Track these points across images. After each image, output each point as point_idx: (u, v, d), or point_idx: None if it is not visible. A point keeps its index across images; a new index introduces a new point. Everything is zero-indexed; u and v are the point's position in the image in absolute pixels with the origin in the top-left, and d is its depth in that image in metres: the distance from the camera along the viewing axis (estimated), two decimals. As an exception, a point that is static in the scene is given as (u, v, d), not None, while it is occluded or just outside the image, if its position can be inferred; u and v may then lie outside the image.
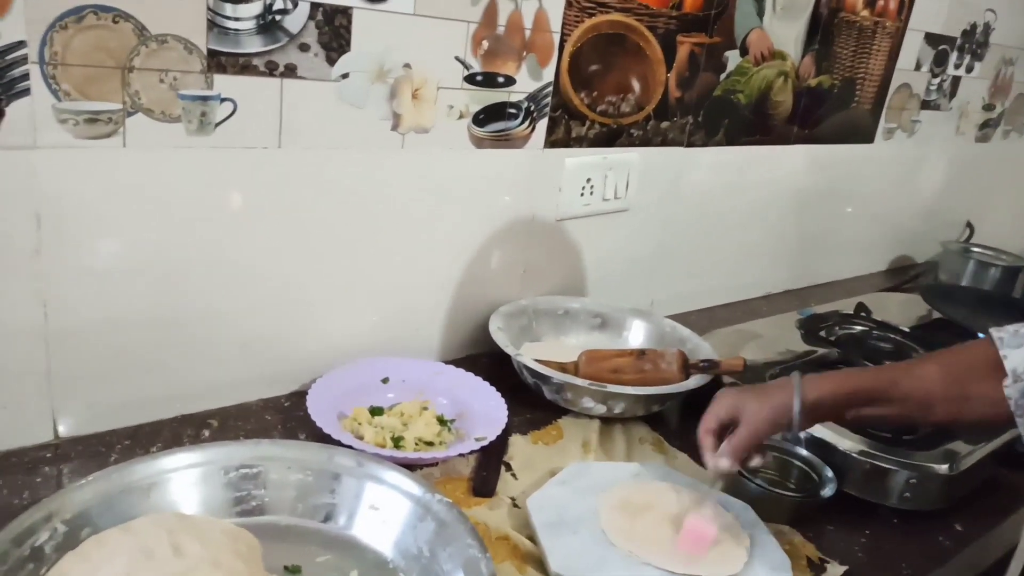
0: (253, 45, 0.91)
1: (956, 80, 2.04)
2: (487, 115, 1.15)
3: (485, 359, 1.25)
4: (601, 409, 1.10)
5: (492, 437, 1.00)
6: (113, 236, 0.89)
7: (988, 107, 2.23)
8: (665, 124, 1.40)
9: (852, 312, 1.58)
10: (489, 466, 0.98)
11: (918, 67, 1.89)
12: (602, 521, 0.87)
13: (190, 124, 0.90)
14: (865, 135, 1.87)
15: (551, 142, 1.25)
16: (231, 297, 1.00)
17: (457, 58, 1.09)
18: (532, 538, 0.85)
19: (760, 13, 1.46)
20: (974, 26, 2.00)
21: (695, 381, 1.14)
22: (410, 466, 0.90)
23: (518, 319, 1.27)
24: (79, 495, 0.75)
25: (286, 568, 0.77)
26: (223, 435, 0.98)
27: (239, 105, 0.92)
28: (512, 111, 1.18)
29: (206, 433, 0.99)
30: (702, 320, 1.54)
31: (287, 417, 1.04)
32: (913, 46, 1.84)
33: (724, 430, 0.91)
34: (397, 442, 0.97)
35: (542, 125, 1.23)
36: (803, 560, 0.90)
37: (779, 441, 1.05)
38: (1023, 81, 2.31)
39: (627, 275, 1.49)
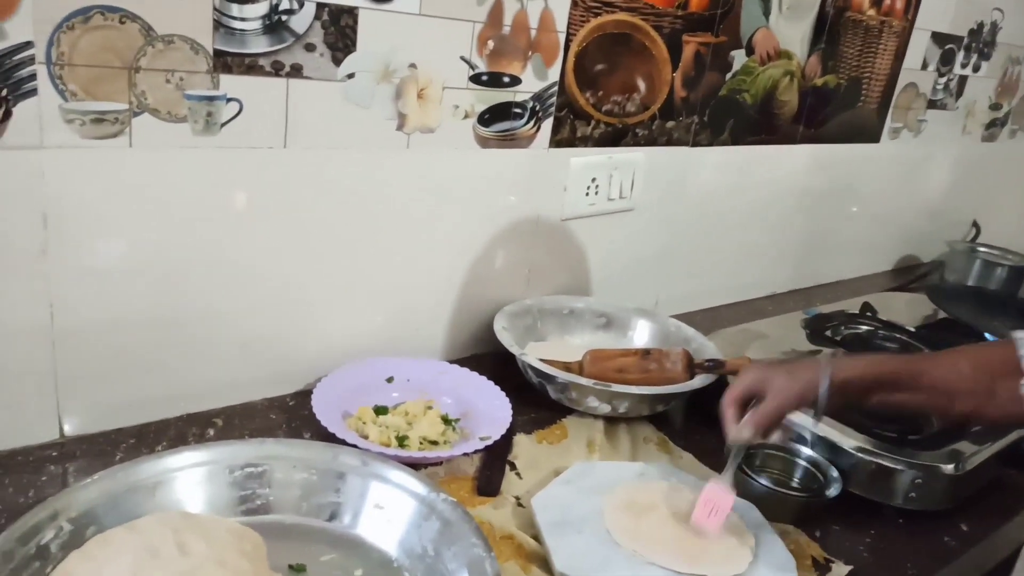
0: (259, 45, 0.92)
1: (963, 79, 2.04)
2: (492, 115, 1.15)
3: (490, 359, 1.25)
4: (606, 409, 1.10)
5: (496, 436, 1.00)
6: (118, 236, 0.89)
7: (995, 106, 2.23)
8: (670, 124, 1.40)
9: (858, 312, 1.57)
10: (493, 465, 0.98)
11: (924, 66, 1.89)
12: (607, 520, 0.87)
13: (196, 124, 0.90)
14: (871, 134, 1.86)
15: (556, 142, 1.25)
16: (234, 297, 1.00)
17: (462, 58, 1.09)
18: (537, 537, 0.85)
19: (766, 12, 1.46)
20: (981, 25, 1.99)
21: (700, 381, 1.14)
22: (415, 465, 0.90)
23: (523, 319, 1.27)
24: (84, 494, 0.75)
25: (291, 567, 0.77)
26: (228, 434, 0.99)
27: (245, 105, 0.93)
28: (517, 111, 1.18)
29: (211, 432, 0.99)
30: (707, 320, 1.54)
31: (292, 416, 1.05)
32: (920, 45, 1.84)
33: (748, 402, 0.92)
34: (402, 441, 0.97)
35: (547, 125, 1.23)
36: (808, 560, 0.90)
37: (783, 441, 1.05)
38: (1030, 80, 2.31)
39: (632, 275, 1.49)
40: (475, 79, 1.11)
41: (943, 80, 1.97)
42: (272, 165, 0.97)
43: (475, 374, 1.13)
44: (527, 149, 1.22)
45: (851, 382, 0.90)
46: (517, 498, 0.93)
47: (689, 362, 1.16)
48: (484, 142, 1.16)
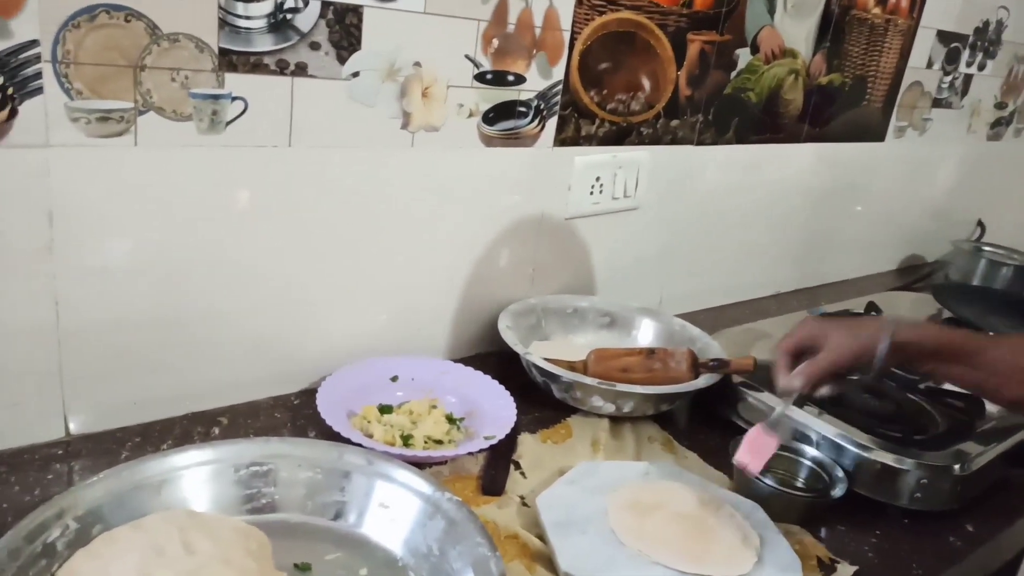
0: (264, 44, 0.92)
1: (968, 78, 2.03)
2: (497, 113, 1.15)
3: (494, 358, 1.25)
4: (610, 408, 1.10)
5: (501, 436, 1.00)
6: (123, 235, 0.89)
7: (1000, 105, 2.22)
8: (675, 122, 1.40)
9: (863, 311, 1.57)
10: (498, 465, 0.98)
11: (930, 65, 1.88)
12: (611, 520, 0.87)
13: (201, 123, 0.90)
14: (876, 133, 1.86)
15: (561, 140, 1.25)
16: (237, 297, 1.00)
17: (467, 56, 1.09)
18: (541, 537, 0.85)
19: (771, 11, 1.46)
20: (986, 23, 1.98)
21: (704, 380, 1.13)
22: (419, 464, 0.90)
23: (527, 318, 1.27)
24: (90, 492, 0.75)
25: (296, 566, 0.77)
26: (233, 433, 0.99)
27: (250, 104, 0.93)
28: (522, 109, 1.18)
29: (216, 431, 0.99)
30: (711, 319, 1.54)
31: (296, 415, 1.05)
32: (925, 44, 1.83)
33: (801, 355, 0.94)
34: (406, 440, 0.97)
35: (552, 123, 1.23)
36: (813, 560, 0.90)
37: (789, 441, 1.05)
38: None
39: (636, 274, 1.49)
40: (479, 77, 1.11)
41: (948, 79, 1.97)
42: (276, 164, 0.97)
43: (479, 373, 1.13)
44: (531, 148, 1.22)
45: (910, 345, 0.91)
46: (522, 497, 0.93)
47: (694, 361, 1.16)
48: (488, 141, 1.16)
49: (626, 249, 1.44)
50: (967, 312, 1.60)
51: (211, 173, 0.93)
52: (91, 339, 0.90)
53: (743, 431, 1.09)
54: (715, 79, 1.43)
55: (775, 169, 1.64)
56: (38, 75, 0.79)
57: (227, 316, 1.00)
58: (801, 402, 0.98)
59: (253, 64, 0.92)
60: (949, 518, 1.01)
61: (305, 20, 0.94)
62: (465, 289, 1.23)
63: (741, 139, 1.53)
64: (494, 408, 1.07)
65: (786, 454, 1.04)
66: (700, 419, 1.17)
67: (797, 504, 0.96)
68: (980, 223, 2.26)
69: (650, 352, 1.19)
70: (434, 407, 1.04)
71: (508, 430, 1.01)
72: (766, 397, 1.11)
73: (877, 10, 1.66)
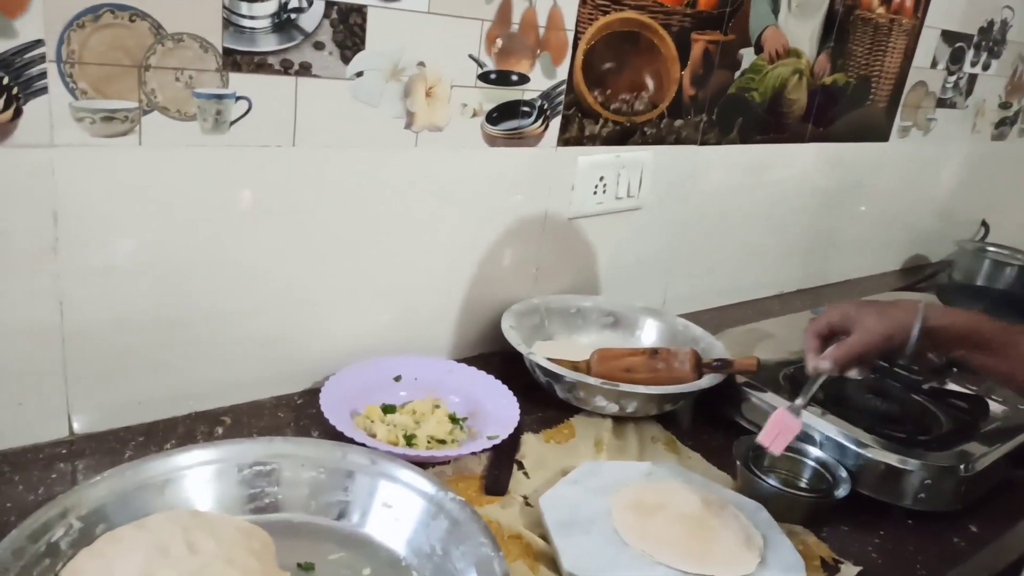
0: (268, 43, 0.92)
1: (972, 78, 2.03)
2: (500, 113, 1.15)
3: (497, 358, 1.25)
4: (613, 408, 1.10)
5: (504, 436, 1.00)
6: (127, 235, 0.89)
7: (1005, 105, 2.22)
8: (679, 122, 1.40)
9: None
10: (501, 465, 0.98)
11: (934, 65, 1.88)
12: (614, 520, 0.87)
13: (205, 122, 0.90)
14: (880, 133, 1.85)
15: (564, 140, 1.25)
16: (239, 297, 1.00)
17: (471, 56, 1.09)
18: (545, 537, 0.85)
19: (775, 10, 1.46)
20: (991, 23, 1.98)
21: (708, 380, 1.13)
22: (422, 464, 0.90)
23: (530, 318, 1.27)
24: (94, 491, 0.75)
25: (299, 565, 0.77)
26: (236, 432, 0.99)
27: (254, 103, 0.93)
28: (525, 109, 1.18)
29: (219, 430, 0.99)
30: (715, 319, 1.53)
31: (300, 415, 1.05)
32: (929, 44, 1.83)
33: (832, 336, 0.94)
34: (409, 440, 0.97)
35: (555, 123, 1.22)
36: (817, 560, 0.90)
37: (793, 441, 1.05)
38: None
39: (639, 274, 1.49)
40: (483, 77, 1.11)
41: (953, 79, 1.97)
42: (280, 164, 0.97)
43: (483, 373, 1.13)
44: (535, 148, 1.22)
45: (941, 331, 0.91)
46: (525, 497, 0.93)
47: (697, 361, 1.16)
48: (492, 140, 1.16)
49: (629, 249, 1.44)
50: (971, 312, 1.60)
51: (215, 173, 0.93)
52: (95, 339, 0.91)
53: (747, 431, 1.10)
54: (719, 79, 1.42)
55: (779, 169, 1.64)
56: (43, 75, 0.79)
57: (230, 316, 1.00)
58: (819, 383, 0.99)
59: (257, 64, 0.92)
60: (953, 519, 1.01)
61: (309, 20, 0.94)
62: (468, 289, 1.23)
63: (745, 139, 1.53)
64: (497, 408, 1.07)
65: (790, 454, 1.04)
66: (703, 419, 1.17)
67: (801, 504, 0.96)
68: (984, 223, 2.26)
69: (653, 352, 1.19)
70: (437, 407, 1.04)
71: (511, 430, 1.01)
72: (769, 397, 1.11)
73: (881, 10, 1.66)
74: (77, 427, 0.93)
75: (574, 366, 1.13)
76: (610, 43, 1.24)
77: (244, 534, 0.75)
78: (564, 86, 1.21)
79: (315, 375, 1.10)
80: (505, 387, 1.10)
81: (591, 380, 1.08)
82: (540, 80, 1.18)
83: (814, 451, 1.03)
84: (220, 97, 0.90)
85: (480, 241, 1.22)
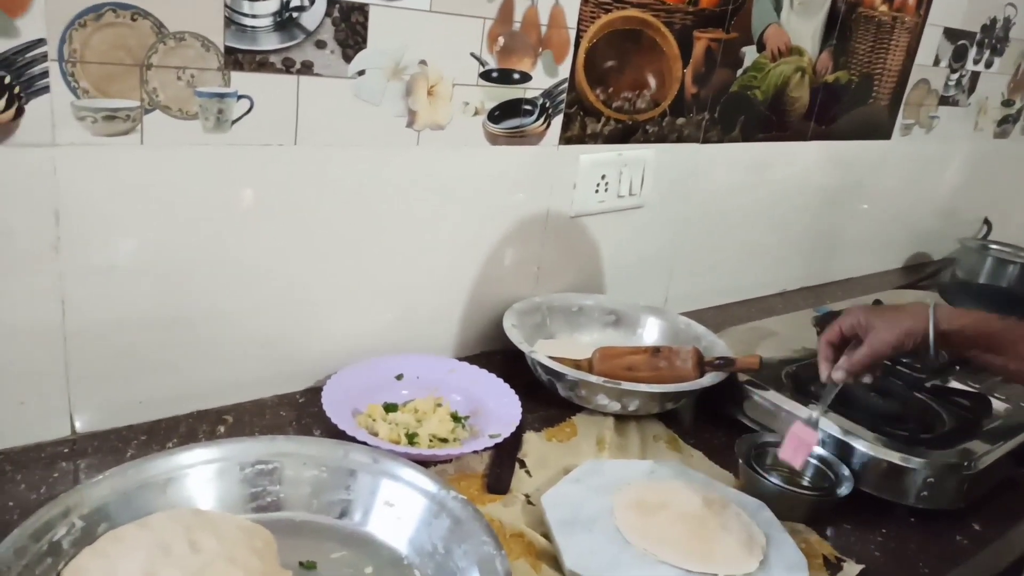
0: (270, 42, 0.92)
1: (975, 75, 2.03)
2: (502, 112, 1.15)
3: (499, 356, 1.25)
4: (615, 406, 1.10)
5: (506, 434, 1.00)
6: (129, 234, 0.89)
7: (1007, 103, 2.21)
8: (681, 120, 1.39)
9: (869, 309, 1.57)
10: (503, 463, 0.98)
11: (936, 62, 1.88)
12: (617, 519, 0.87)
13: (207, 121, 0.90)
14: (882, 131, 1.85)
15: (566, 139, 1.25)
16: (240, 297, 1.00)
17: (473, 55, 1.09)
18: (547, 535, 0.85)
19: (777, 8, 1.45)
20: (994, 21, 1.98)
21: (710, 379, 1.13)
22: (424, 463, 0.90)
23: (532, 316, 1.27)
24: (96, 490, 0.75)
25: (301, 564, 0.77)
26: (238, 431, 0.99)
27: (256, 102, 0.93)
28: (527, 108, 1.18)
29: (221, 429, 0.99)
30: (717, 317, 1.53)
31: (302, 413, 1.05)
32: (932, 41, 1.83)
33: (845, 343, 0.96)
34: (411, 439, 0.97)
35: (557, 122, 1.22)
36: (819, 559, 0.90)
37: (875, 381, 1.03)
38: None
39: (641, 272, 1.49)
40: (485, 76, 1.11)
41: (955, 76, 1.96)
42: (282, 162, 0.97)
43: (484, 372, 1.13)
44: (537, 146, 1.22)
45: (952, 335, 0.92)
46: (527, 496, 0.93)
47: (699, 360, 1.16)
48: (494, 139, 1.16)
49: (631, 247, 1.44)
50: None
51: (216, 172, 0.93)
52: (96, 338, 0.91)
53: (749, 430, 1.09)
54: (721, 77, 1.42)
55: (781, 167, 1.64)
56: (44, 74, 0.79)
57: (232, 316, 1.00)
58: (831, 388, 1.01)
59: (259, 63, 0.92)
60: (956, 517, 1.01)
61: (311, 18, 0.94)
62: (470, 288, 1.23)
63: (747, 137, 1.53)
64: (499, 406, 1.07)
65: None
66: (705, 418, 1.17)
67: (803, 503, 0.96)
68: (986, 221, 2.25)
69: (655, 350, 1.19)
70: (439, 405, 1.04)
71: (513, 428, 1.01)
72: (771, 396, 1.11)
73: (884, 7, 1.66)
74: (79, 426, 0.93)
75: (576, 364, 1.13)
76: (612, 41, 1.24)
77: (246, 533, 0.75)
78: (566, 84, 1.21)
79: (317, 374, 1.10)
80: (507, 386, 1.10)
81: (593, 378, 1.08)
82: (542, 78, 1.18)
83: (817, 449, 1.03)
84: (222, 96, 0.90)
85: (482, 240, 1.22)
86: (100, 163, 0.85)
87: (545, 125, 1.21)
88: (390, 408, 1.02)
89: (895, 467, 0.99)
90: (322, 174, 1.01)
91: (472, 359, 1.20)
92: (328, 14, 0.95)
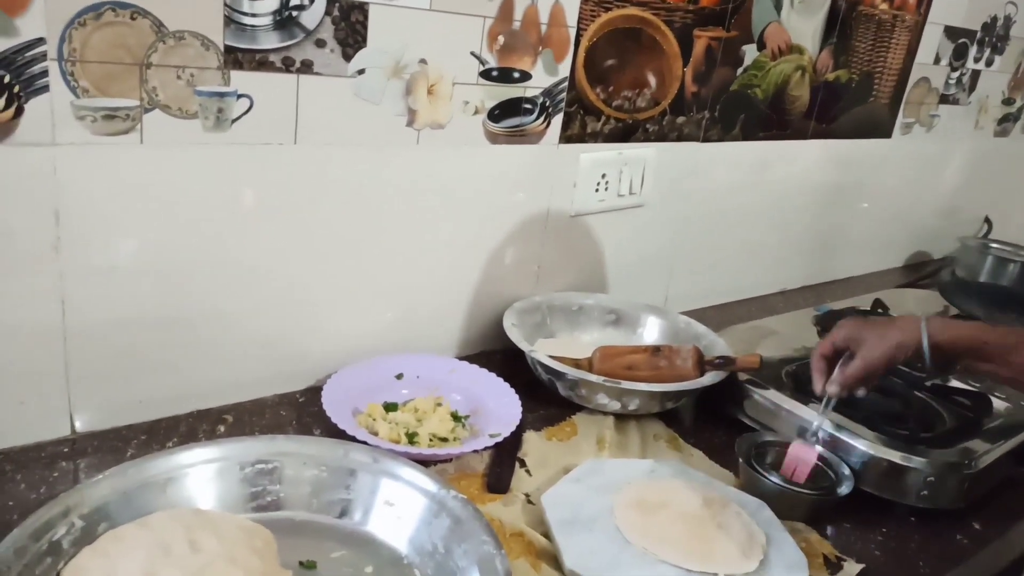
0: (270, 41, 0.92)
1: (976, 74, 2.02)
2: (502, 111, 1.15)
3: (499, 356, 1.25)
4: (615, 406, 1.10)
5: (506, 433, 1.00)
6: (129, 234, 0.89)
7: (1008, 101, 2.21)
8: (681, 119, 1.39)
9: (869, 308, 1.57)
10: (503, 462, 0.98)
11: (937, 61, 1.88)
12: (617, 518, 0.87)
13: (207, 120, 0.90)
14: (883, 130, 1.85)
15: (566, 137, 1.25)
16: (240, 297, 1.00)
17: (473, 53, 1.09)
18: (547, 535, 0.85)
19: (778, 7, 1.45)
20: (994, 19, 1.97)
21: (710, 378, 1.13)
22: (424, 462, 0.90)
23: (532, 315, 1.27)
24: (96, 490, 0.75)
25: (301, 564, 0.77)
26: (238, 431, 0.99)
27: (255, 101, 0.93)
28: (527, 106, 1.17)
29: (221, 429, 0.99)
30: (717, 316, 1.53)
31: (302, 413, 1.05)
32: (932, 40, 1.83)
33: (838, 356, 0.98)
34: (411, 438, 0.97)
35: (557, 120, 1.22)
36: (819, 558, 0.90)
37: (795, 439, 1.05)
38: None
39: (642, 271, 1.49)
40: (485, 75, 1.11)
41: (956, 75, 1.96)
42: (282, 162, 0.97)
43: (485, 371, 1.13)
44: (537, 145, 1.21)
45: (943, 346, 0.94)
46: (527, 495, 0.93)
47: (699, 359, 1.16)
48: (494, 138, 1.16)
49: (631, 246, 1.44)
50: (974, 309, 1.60)
51: (216, 171, 0.93)
52: (97, 338, 0.91)
53: (749, 429, 1.10)
54: (721, 75, 1.42)
55: (781, 166, 1.63)
56: (44, 73, 0.79)
57: (232, 316, 1.00)
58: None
59: (259, 62, 0.92)
60: (956, 516, 1.01)
61: (311, 17, 0.94)
62: (470, 287, 1.23)
63: (747, 136, 1.53)
64: (499, 406, 1.07)
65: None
66: (706, 417, 1.17)
67: (803, 502, 0.96)
68: (987, 220, 2.25)
69: (655, 349, 1.19)
70: (439, 405, 1.04)
71: (513, 428, 1.01)
72: (772, 395, 1.11)
73: (884, 6, 1.65)
74: (79, 426, 0.93)
75: (576, 364, 1.13)
76: (612, 40, 1.24)
77: (246, 532, 0.75)
78: (566, 83, 1.21)
79: (317, 374, 1.10)
80: (507, 385, 1.10)
81: (593, 378, 1.08)
82: (542, 77, 1.17)
83: (817, 448, 1.03)
84: (222, 95, 0.90)
85: (482, 239, 1.22)
86: (100, 162, 0.85)
87: (545, 124, 1.21)
88: (390, 407, 1.02)
89: (895, 466, 0.99)
90: (322, 173, 1.01)
91: (472, 358, 1.19)
92: (328, 13, 0.95)
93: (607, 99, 1.27)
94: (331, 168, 1.02)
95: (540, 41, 1.15)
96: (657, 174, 1.39)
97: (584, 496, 0.90)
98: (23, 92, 0.78)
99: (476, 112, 1.12)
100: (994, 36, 2.01)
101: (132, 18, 0.82)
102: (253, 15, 0.89)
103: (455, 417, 1.03)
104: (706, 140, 1.45)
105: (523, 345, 1.14)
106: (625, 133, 1.32)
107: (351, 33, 0.97)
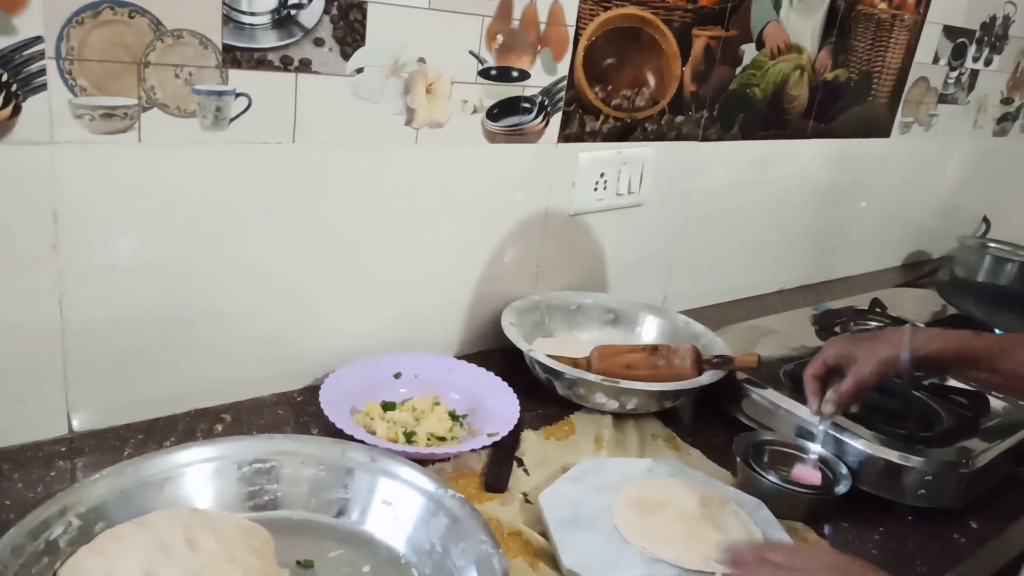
0: (268, 40, 0.91)
1: (974, 73, 2.02)
2: (501, 110, 1.15)
3: (498, 355, 1.25)
4: (614, 405, 1.10)
5: (504, 433, 1.00)
6: (127, 233, 0.89)
7: (1006, 101, 2.21)
8: (680, 118, 1.39)
9: (867, 308, 1.57)
10: (501, 462, 0.98)
11: (936, 60, 1.88)
12: (615, 517, 0.87)
13: (205, 119, 0.90)
14: (882, 129, 1.85)
15: (565, 136, 1.25)
16: (240, 297, 1.00)
17: (471, 52, 1.09)
18: (544, 534, 0.85)
19: (777, 6, 1.45)
20: (993, 19, 1.97)
21: (708, 377, 1.13)
22: (422, 461, 0.90)
23: (531, 314, 1.27)
24: (93, 489, 0.75)
25: (299, 563, 0.77)
26: (236, 430, 0.99)
27: (254, 100, 0.92)
28: (526, 105, 1.17)
29: (219, 428, 0.99)
30: (716, 315, 1.53)
31: (300, 412, 1.05)
32: (931, 39, 1.83)
33: (830, 375, 1.00)
34: (409, 437, 0.97)
35: (556, 119, 1.22)
36: (817, 558, 0.90)
37: (793, 438, 1.05)
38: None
39: (640, 270, 1.49)
40: (484, 73, 1.11)
41: (954, 74, 1.96)
42: (280, 161, 0.97)
43: (483, 370, 1.13)
44: (535, 144, 1.21)
45: (931, 358, 0.96)
46: (525, 495, 0.93)
47: (697, 358, 1.16)
48: (492, 137, 1.16)
49: (630, 246, 1.44)
50: (972, 308, 1.60)
51: (215, 170, 0.93)
52: (95, 337, 0.90)
53: (747, 428, 1.10)
54: (720, 75, 1.42)
55: (780, 165, 1.63)
56: (42, 72, 0.79)
57: (230, 315, 1.00)
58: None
59: (257, 60, 0.91)
60: (954, 515, 1.01)
61: (309, 16, 0.93)
62: (469, 286, 1.23)
63: (746, 135, 1.53)
64: (497, 405, 1.07)
65: (790, 451, 1.04)
66: (704, 416, 1.17)
67: (801, 501, 0.96)
68: (985, 219, 2.25)
69: (654, 349, 1.19)
70: (437, 404, 1.04)
71: (511, 427, 1.01)
72: (770, 394, 1.11)
73: (883, 5, 1.65)
74: (77, 425, 0.93)
75: (574, 363, 1.13)
76: (611, 39, 1.24)
77: (244, 532, 0.75)
78: (565, 82, 1.21)
79: (315, 373, 1.09)
80: (505, 384, 1.10)
81: (591, 377, 1.08)
82: (541, 76, 1.17)
83: (815, 447, 1.03)
84: (220, 94, 0.90)
85: (481, 238, 1.22)
86: (98, 161, 0.85)
87: (544, 123, 1.21)
88: (388, 407, 1.02)
89: (893, 465, 0.99)
90: (321, 172, 1.01)
91: (471, 357, 1.19)
92: (326, 12, 0.94)
93: (606, 98, 1.27)
94: (330, 167, 1.01)
95: (539, 40, 1.15)
96: (656, 173, 1.39)
97: (582, 495, 0.90)
98: (21, 91, 0.78)
99: (475, 111, 1.12)
100: (993, 36, 2.01)
101: (130, 16, 0.82)
102: (251, 14, 0.89)
103: (453, 416, 1.03)
104: (705, 139, 1.45)
105: (521, 344, 1.14)
106: (624, 132, 1.32)
107: (349, 32, 0.97)
